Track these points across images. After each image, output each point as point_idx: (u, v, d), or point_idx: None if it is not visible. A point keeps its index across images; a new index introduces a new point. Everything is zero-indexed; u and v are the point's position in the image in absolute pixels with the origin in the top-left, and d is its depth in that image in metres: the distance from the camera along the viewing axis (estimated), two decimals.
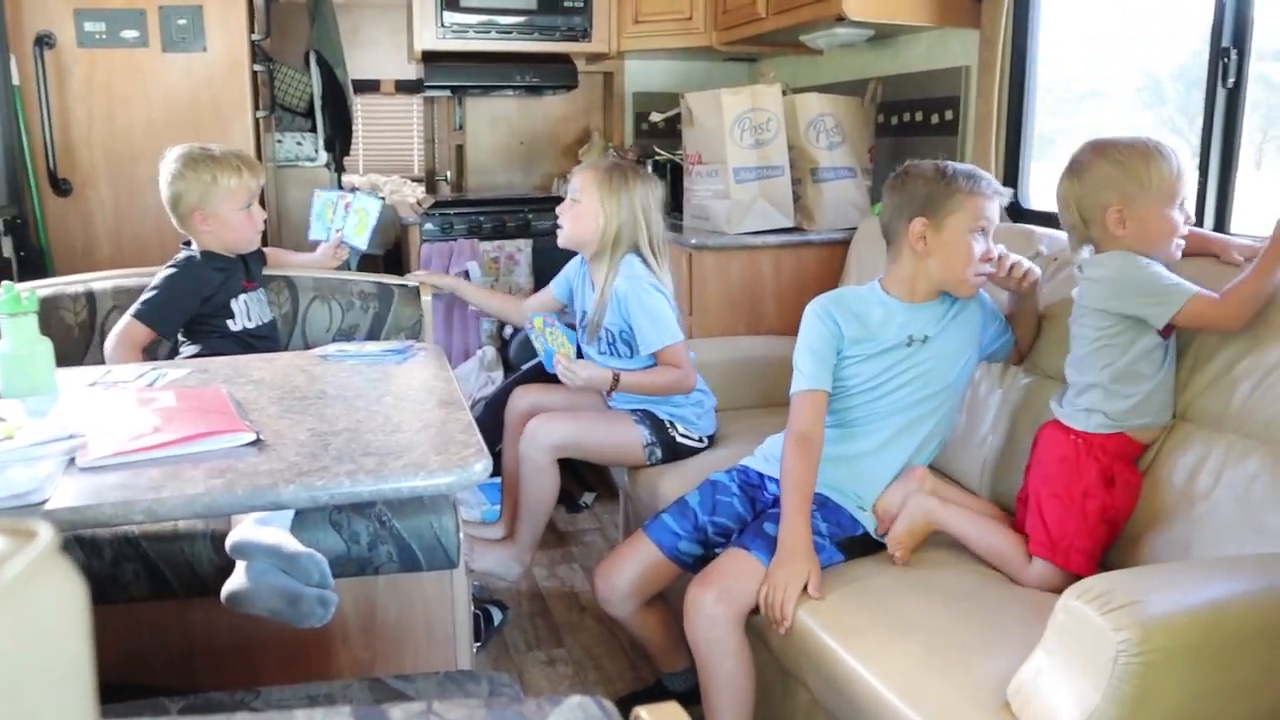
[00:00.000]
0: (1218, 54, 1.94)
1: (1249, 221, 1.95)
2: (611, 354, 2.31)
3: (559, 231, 2.34)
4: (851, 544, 1.71)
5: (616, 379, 2.21)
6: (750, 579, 1.61)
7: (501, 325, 3.37)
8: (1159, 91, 2.54)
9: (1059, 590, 1.52)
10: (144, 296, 2.03)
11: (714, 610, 1.59)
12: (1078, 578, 1.54)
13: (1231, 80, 1.92)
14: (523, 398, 2.46)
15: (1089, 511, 1.59)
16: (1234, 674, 1.16)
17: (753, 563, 1.62)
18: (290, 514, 1.52)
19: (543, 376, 2.80)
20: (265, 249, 2.37)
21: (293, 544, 1.38)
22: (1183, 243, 1.64)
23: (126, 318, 2.00)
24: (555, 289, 2.54)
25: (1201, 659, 1.13)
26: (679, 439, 2.25)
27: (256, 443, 1.25)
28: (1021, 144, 2.53)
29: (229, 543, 1.40)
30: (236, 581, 1.36)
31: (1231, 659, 1.15)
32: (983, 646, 1.38)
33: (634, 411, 2.29)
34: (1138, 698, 1.09)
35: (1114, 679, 1.09)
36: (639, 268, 2.25)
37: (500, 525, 2.46)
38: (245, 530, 1.41)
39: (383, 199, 2.70)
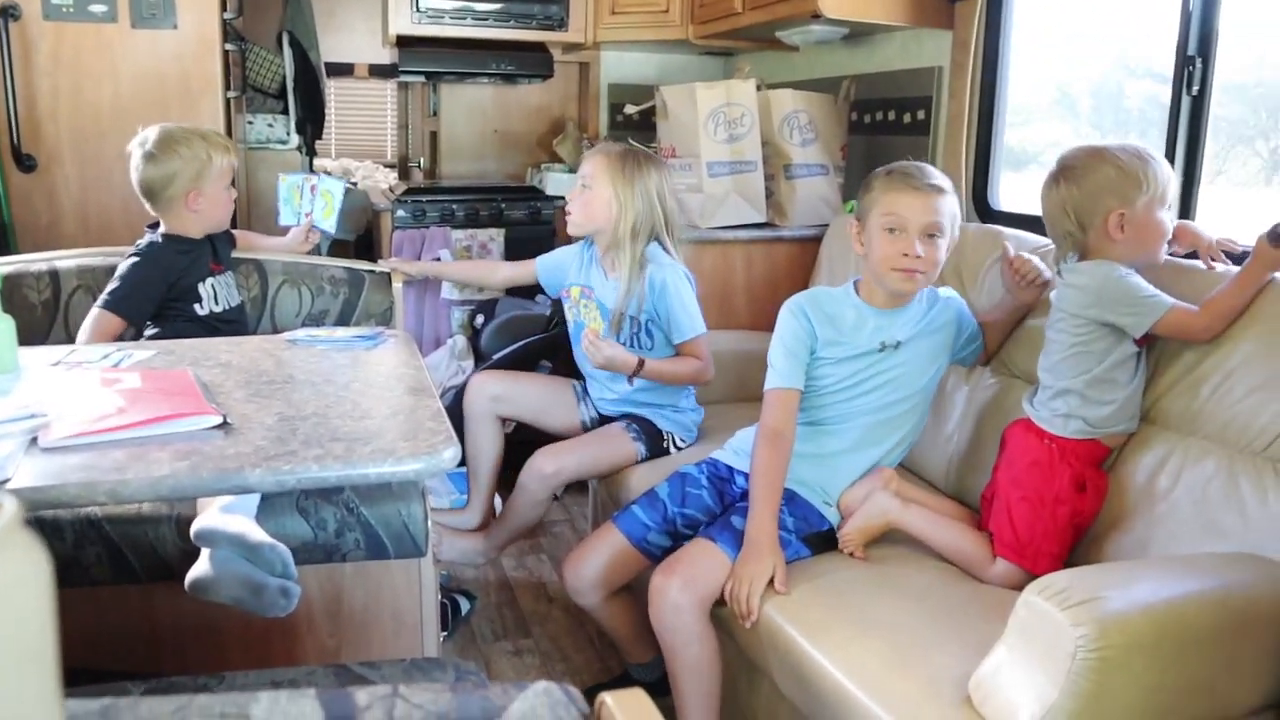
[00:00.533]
0: (1183, 62, 1.97)
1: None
2: (633, 344, 2.26)
3: (568, 219, 2.29)
4: (818, 539, 1.72)
5: (641, 364, 2.16)
6: (716, 570, 1.62)
7: (473, 314, 3.35)
8: (1072, 105, 2.60)
9: (1021, 588, 1.55)
10: (110, 287, 1.99)
11: (679, 598, 1.60)
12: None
13: (1196, 88, 1.96)
14: (483, 387, 2.38)
15: (1059, 517, 1.61)
16: (1190, 670, 1.18)
17: (719, 554, 1.63)
18: (255, 501, 1.51)
19: (508, 362, 2.80)
20: (234, 231, 2.35)
21: (257, 534, 1.37)
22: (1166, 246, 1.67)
23: (95, 310, 1.96)
24: (541, 272, 2.47)
25: (1158, 655, 1.16)
26: (671, 447, 2.26)
27: (223, 426, 1.24)
28: (992, 145, 2.55)
29: (194, 530, 1.39)
30: (200, 569, 1.35)
31: (1187, 655, 1.18)
32: (945, 642, 1.40)
33: (629, 424, 2.26)
34: (1095, 692, 1.11)
35: (1072, 674, 1.11)
36: (666, 257, 2.23)
37: (468, 514, 2.45)
38: (210, 518, 1.40)
39: (353, 183, 2.67)
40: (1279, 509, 1.43)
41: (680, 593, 1.61)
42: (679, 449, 2.27)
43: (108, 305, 1.97)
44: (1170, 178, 1.63)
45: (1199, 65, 1.94)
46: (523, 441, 2.43)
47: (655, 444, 2.24)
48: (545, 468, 2.19)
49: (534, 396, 2.40)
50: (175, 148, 2.01)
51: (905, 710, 1.27)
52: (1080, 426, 1.63)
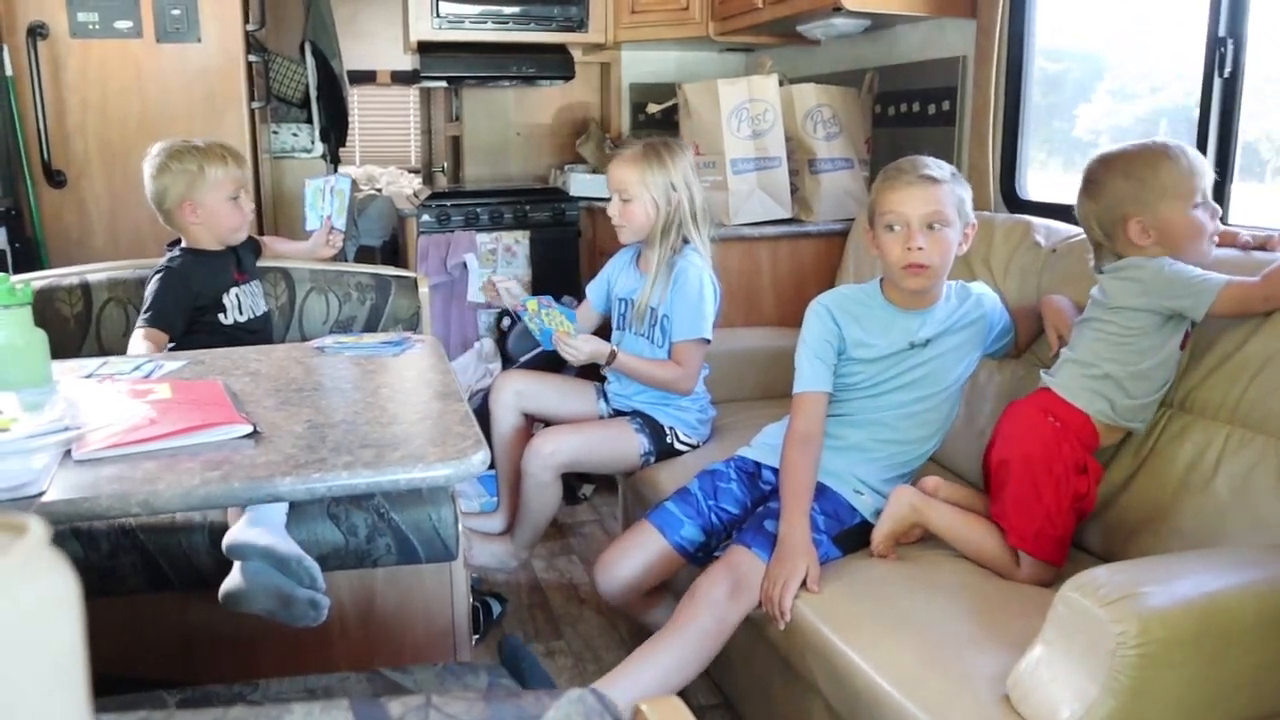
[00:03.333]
0: (1214, 43, 1.93)
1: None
2: (648, 337, 2.28)
3: (622, 230, 2.29)
4: (848, 538, 1.71)
5: (613, 355, 2.21)
6: (757, 577, 1.61)
7: (500, 317, 3.36)
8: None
9: (1049, 585, 1.53)
10: (144, 309, 2.00)
11: (727, 604, 1.59)
12: (1074, 562, 1.55)
13: (1229, 70, 1.92)
14: (508, 384, 2.41)
15: (1063, 499, 1.59)
16: (1232, 666, 1.16)
17: (756, 561, 1.62)
18: (283, 510, 1.52)
19: (535, 365, 2.79)
20: (260, 238, 2.36)
21: (286, 546, 1.38)
22: (1215, 239, 1.63)
23: (138, 331, 1.97)
24: (594, 301, 2.46)
25: (1199, 651, 1.13)
26: (677, 445, 2.25)
27: (253, 435, 1.24)
28: (1019, 134, 2.52)
29: (225, 544, 1.41)
30: (233, 582, 1.37)
31: (1230, 651, 1.15)
32: (982, 639, 1.38)
33: (634, 417, 2.27)
34: (1136, 689, 1.09)
35: (1112, 671, 1.09)
36: (699, 258, 2.24)
37: (498, 516, 2.46)
38: (240, 532, 1.41)
39: (376, 191, 2.68)
40: None
41: (730, 599, 1.59)
42: (686, 445, 2.26)
43: (149, 322, 1.98)
44: (1192, 171, 1.59)
45: (1230, 47, 1.91)
46: None
47: (659, 438, 2.24)
48: (543, 448, 2.20)
49: (554, 392, 2.42)
50: (168, 162, 2.04)
51: (941, 708, 1.26)
52: (1105, 409, 1.61)
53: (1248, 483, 1.49)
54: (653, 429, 2.25)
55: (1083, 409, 1.62)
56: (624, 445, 2.23)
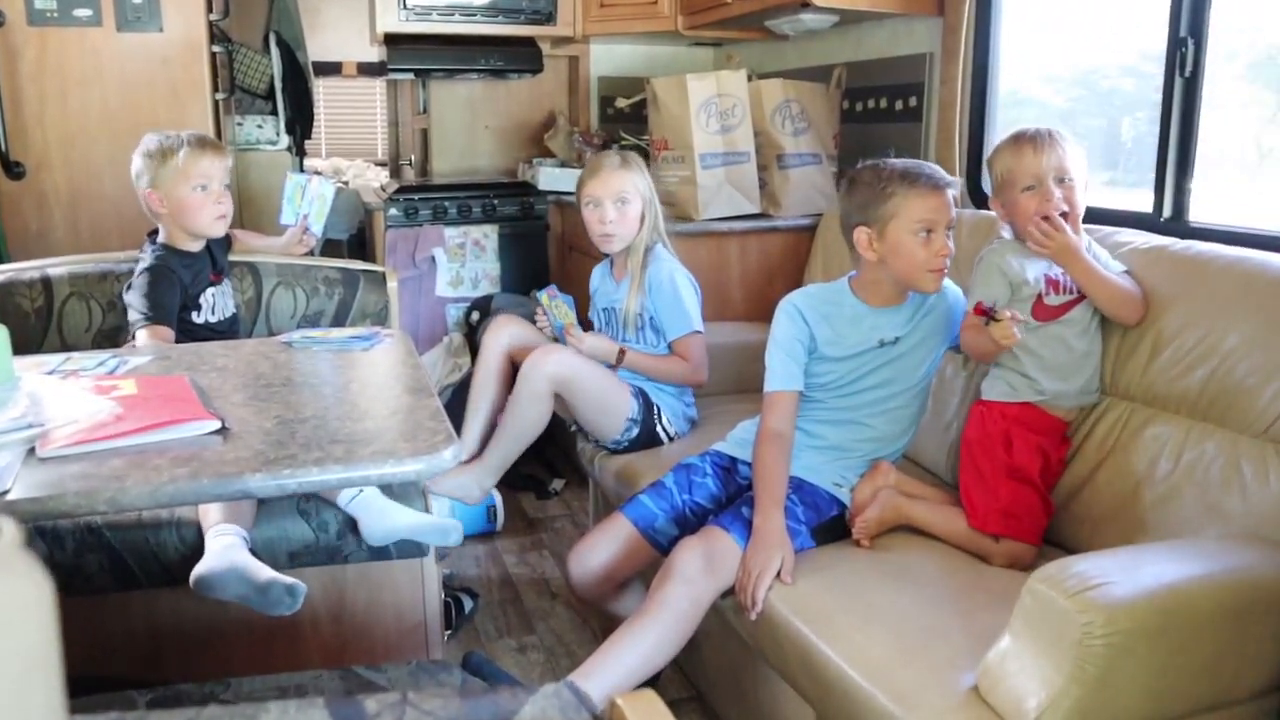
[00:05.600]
0: (1175, 43, 1.96)
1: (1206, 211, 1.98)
2: (639, 340, 2.32)
3: (615, 239, 2.31)
4: (825, 530, 1.72)
5: (622, 354, 2.25)
6: (732, 559, 1.62)
7: (469, 311, 3.34)
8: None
9: (1025, 563, 1.57)
10: (141, 307, 1.95)
11: (702, 581, 1.59)
12: (1041, 554, 1.58)
13: (1189, 69, 1.95)
14: (505, 327, 2.44)
15: (996, 470, 1.68)
16: (1194, 654, 1.19)
17: (732, 543, 1.63)
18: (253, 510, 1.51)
19: None
20: (234, 231, 2.33)
21: (265, 573, 1.38)
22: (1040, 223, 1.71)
23: (142, 331, 1.92)
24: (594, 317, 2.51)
25: (1163, 640, 1.16)
26: (658, 427, 2.26)
27: (222, 431, 1.23)
28: (985, 130, 2.55)
29: (193, 578, 1.39)
30: (205, 565, 1.36)
31: (1191, 640, 1.18)
32: (950, 630, 1.40)
33: (632, 386, 2.30)
34: (1101, 678, 1.11)
35: (1078, 661, 1.11)
36: (667, 254, 2.31)
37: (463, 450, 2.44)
38: (214, 559, 1.40)
39: (344, 183, 2.65)
40: None
41: (703, 574, 1.59)
42: (666, 432, 2.27)
43: (153, 320, 1.93)
44: (1011, 161, 1.74)
45: (1191, 47, 1.94)
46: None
47: (647, 410, 2.26)
48: (544, 358, 2.21)
49: (596, 384, 2.28)
50: (144, 147, 2.03)
51: (911, 699, 1.27)
52: (1005, 390, 1.74)
53: (1208, 475, 1.52)
54: (645, 401, 2.27)
55: (986, 398, 1.76)
56: (617, 395, 2.23)
